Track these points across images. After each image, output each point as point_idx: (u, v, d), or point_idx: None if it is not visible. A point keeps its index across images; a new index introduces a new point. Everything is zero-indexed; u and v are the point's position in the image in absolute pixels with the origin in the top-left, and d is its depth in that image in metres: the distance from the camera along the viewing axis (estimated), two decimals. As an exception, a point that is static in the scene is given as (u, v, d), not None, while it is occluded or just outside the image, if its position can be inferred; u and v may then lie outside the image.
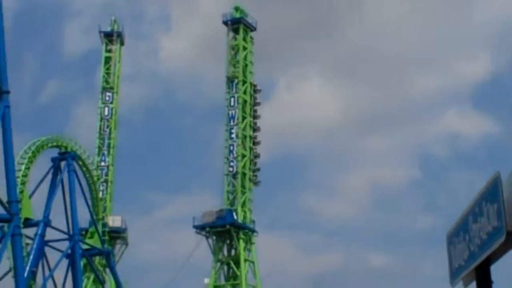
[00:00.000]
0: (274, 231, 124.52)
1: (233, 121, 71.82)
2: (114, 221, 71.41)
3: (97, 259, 65.33)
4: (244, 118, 71.96)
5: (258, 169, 72.20)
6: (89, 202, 60.25)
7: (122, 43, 78.65)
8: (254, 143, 72.44)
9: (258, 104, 74.23)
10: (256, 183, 71.40)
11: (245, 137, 71.60)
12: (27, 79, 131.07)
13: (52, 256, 54.39)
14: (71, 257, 54.27)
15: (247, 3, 76.92)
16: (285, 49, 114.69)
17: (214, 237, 69.63)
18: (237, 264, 68.20)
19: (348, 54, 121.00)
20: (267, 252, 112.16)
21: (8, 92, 43.35)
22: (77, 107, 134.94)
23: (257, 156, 72.36)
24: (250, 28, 75.29)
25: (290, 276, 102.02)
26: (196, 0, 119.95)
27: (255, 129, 72.89)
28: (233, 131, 71.52)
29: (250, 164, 71.31)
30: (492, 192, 5.65)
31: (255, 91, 74.03)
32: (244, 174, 70.50)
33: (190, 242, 71.11)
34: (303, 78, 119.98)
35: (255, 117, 73.15)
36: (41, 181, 55.46)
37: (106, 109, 75.48)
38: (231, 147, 71.10)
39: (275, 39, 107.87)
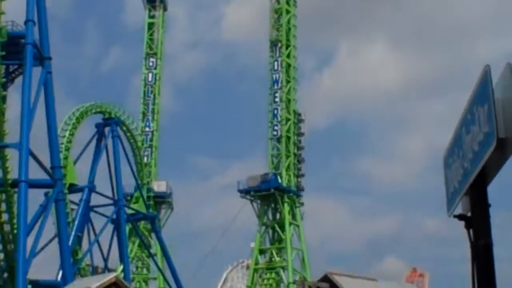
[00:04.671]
0: (328, 196, 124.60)
1: (277, 85, 71.27)
2: (159, 186, 71.80)
3: (142, 224, 65.87)
4: (288, 81, 71.41)
5: (303, 134, 71.79)
6: (134, 168, 60.59)
7: (165, 9, 78.66)
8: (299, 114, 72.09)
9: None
10: (299, 148, 71.07)
11: (289, 100, 71.07)
12: (90, 50, 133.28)
13: (98, 221, 55.02)
14: (116, 222, 54.75)
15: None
16: (348, 14, 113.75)
17: (259, 201, 69.61)
18: (282, 227, 68.21)
19: (411, 19, 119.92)
20: (321, 216, 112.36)
21: (50, 58, 43.60)
22: (136, 76, 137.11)
23: (301, 120, 71.97)
24: (293, -9, 74.39)
25: (344, 240, 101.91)
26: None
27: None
28: (277, 95, 71.03)
29: (295, 128, 70.92)
30: (483, 90, 4.82)
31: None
32: (288, 138, 70.12)
33: (236, 207, 71.29)
34: (365, 43, 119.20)
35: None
36: (86, 147, 55.99)
37: (150, 75, 75.66)
38: (275, 111, 70.66)
39: (337, 4, 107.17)
